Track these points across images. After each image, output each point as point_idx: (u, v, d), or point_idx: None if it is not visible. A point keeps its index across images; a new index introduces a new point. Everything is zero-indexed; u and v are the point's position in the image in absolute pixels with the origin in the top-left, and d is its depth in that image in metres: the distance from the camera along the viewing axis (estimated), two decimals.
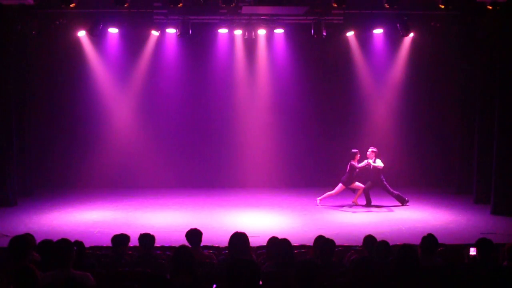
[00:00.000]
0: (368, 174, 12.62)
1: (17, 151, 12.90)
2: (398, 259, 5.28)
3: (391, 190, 12.57)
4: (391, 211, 12.14)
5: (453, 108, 14.59)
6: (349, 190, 12.66)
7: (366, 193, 12.59)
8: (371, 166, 12.39)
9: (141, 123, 15.05)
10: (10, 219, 11.05)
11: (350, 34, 14.32)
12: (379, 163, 12.40)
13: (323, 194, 12.55)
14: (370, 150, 12.50)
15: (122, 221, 11.02)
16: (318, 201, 12.48)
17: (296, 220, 11.21)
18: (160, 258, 6.40)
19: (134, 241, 7.30)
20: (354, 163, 12.29)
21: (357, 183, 12.46)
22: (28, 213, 11.59)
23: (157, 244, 6.54)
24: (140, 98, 15.03)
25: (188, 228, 6.62)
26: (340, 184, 12.40)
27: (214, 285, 4.88)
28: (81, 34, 13.82)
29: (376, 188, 12.70)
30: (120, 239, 6.50)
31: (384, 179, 12.51)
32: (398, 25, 12.71)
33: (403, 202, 12.54)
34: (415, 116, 15.29)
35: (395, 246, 6.51)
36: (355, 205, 12.56)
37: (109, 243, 6.73)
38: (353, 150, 12.46)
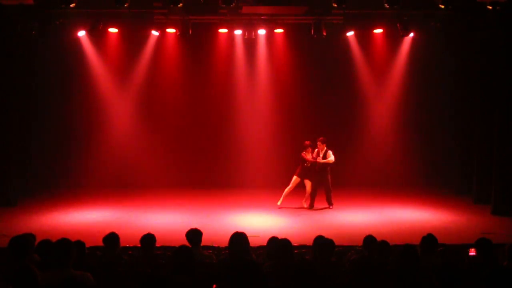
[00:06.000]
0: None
1: (17, 151, 12.91)
2: (399, 259, 5.29)
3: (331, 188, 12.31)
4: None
5: (453, 108, 14.58)
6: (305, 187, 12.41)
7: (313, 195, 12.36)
8: (319, 161, 12.08)
9: (141, 123, 15.06)
10: (10, 219, 11.06)
11: (350, 34, 14.32)
12: (330, 157, 12.09)
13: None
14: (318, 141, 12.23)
15: (122, 221, 11.03)
16: (278, 204, 12.25)
17: (296, 220, 11.21)
18: (160, 258, 6.39)
19: (134, 241, 7.32)
20: (305, 155, 12.16)
21: (308, 183, 12.28)
22: (28, 213, 11.59)
23: (157, 244, 6.54)
24: (140, 98, 15.05)
25: (188, 228, 6.62)
26: (295, 177, 12.28)
27: (214, 285, 4.88)
28: (81, 34, 13.82)
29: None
30: (110, 239, 6.49)
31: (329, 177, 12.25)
32: (398, 25, 12.71)
33: (331, 205, 12.33)
34: (415, 116, 15.30)
35: (395, 246, 6.51)
36: (303, 206, 12.34)
37: None
38: (305, 142, 12.30)
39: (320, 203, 12.46)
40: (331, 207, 12.27)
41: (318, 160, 12.14)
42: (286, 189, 12.30)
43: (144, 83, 14.97)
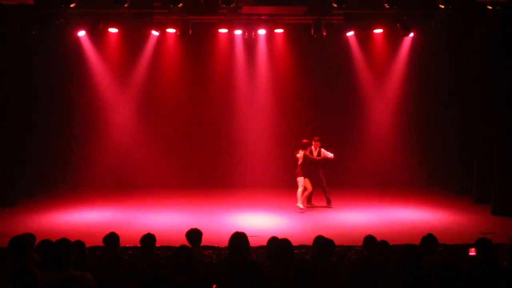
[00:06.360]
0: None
1: (17, 151, 12.91)
2: (401, 259, 5.28)
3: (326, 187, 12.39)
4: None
5: (453, 108, 14.58)
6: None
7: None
8: (327, 157, 12.21)
9: (141, 123, 15.07)
10: (10, 219, 11.06)
11: (350, 34, 14.32)
12: (325, 153, 12.26)
13: (305, 197, 12.35)
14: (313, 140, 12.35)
15: (122, 221, 11.03)
16: (301, 207, 12.04)
17: (296, 220, 11.21)
18: (160, 258, 6.40)
19: (134, 241, 7.32)
20: (308, 153, 12.17)
21: (307, 181, 12.23)
22: (28, 213, 11.59)
23: (157, 244, 6.54)
24: (140, 98, 15.05)
25: (188, 228, 6.63)
26: (301, 178, 12.14)
27: (214, 285, 4.88)
28: (81, 34, 13.82)
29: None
30: (110, 239, 6.49)
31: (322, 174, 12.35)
32: (398, 25, 12.72)
33: (330, 203, 12.40)
34: (415, 116, 15.30)
35: (395, 246, 6.51)
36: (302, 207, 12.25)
37: None
38: (304, 141, 12.29)
39: (319, 202, 12.48)
40: (331, 205, 12.27)
41: (325, 156, 12.26)
42: (299, 191, 12.13)
43: (144, 83, 14.97)
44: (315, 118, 15.13)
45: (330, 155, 12.28)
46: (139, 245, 6.51)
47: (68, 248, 4.91)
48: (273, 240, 6.03)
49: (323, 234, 6.30)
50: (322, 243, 5.96)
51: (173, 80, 15.17)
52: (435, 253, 6.03)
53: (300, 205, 12.06)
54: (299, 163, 12.25)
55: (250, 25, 13.53)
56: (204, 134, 15.26)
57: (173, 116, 15.22)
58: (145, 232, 6.54)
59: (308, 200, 12.53)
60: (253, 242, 6.27)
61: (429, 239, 6.13)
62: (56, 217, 11.38)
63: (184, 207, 12.51)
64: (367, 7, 12.43)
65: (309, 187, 12.31)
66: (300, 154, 12.20)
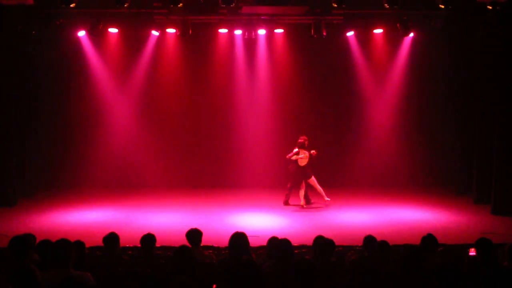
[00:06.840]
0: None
1: (17, 151, 12.90)
2: (402, 260, 5.29)
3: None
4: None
5: (453, 108, 14.58)
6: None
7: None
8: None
9: (141, 123, 15.05)
10: (10, 219, 11.06)
11: (350, 34, 14.32)
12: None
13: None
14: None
15: (122, 221, 11.03)
16: (328, 199, 12.45)
17: (296, 220, 11.22)
18: (160, 258, 6.40)
19: (134, 241, 7.32)
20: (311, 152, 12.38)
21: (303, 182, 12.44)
22: (28, 213, 11.59)
23: (157, 244, 6.55)
24: (140, 98, 15.03)
25: (188, 228, 6.63)
26: (313, 177, 12.43)
27: (214, 285, 4.88)
28: (81, 34, 13.82)
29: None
30: (110, 239, 6.49)
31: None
32: (398, 25, 12.71)
33: (287, 203, 12.59)
34: (415, 116, 15.27)
35: (395, 246, 6.51)
36: (302, 207, 12.38)
37: None
38: (301, 140, 12.48)
39: (316, 201, 12.50)
40: (286, 205, 12.42)
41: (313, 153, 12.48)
42: (319, 189, 12.42)
43: (144, 83, 14.94)
44: (315, 118, 15.10)
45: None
46: (139, 245, 6.52)
47: (68, 248, 4.92)
48: (273, 240, 6.03)
49: (323, 234, 6.30)
50: (322, 243, 5.97)
51: (173, 80, 15.14)
52: (435, 253, 6.03)
53: (327, 198, 12.41)
54: (303, 164, 12.26)
55: (250, 25, 13.50)
56: (204, 133, 15.23)
57: (173, 116, 15.19)
58: (145, 232, 6.54)
59: (307, 200, 12.55)
60: (253, 242, 6.28)
61: (429, 239, 6.13)
62: (56, 217, 11.39)
63: (184, 207, 12.51)
64: (367, 7, 12.41)
65: (304, 187, 12.35)
66: (305, 154, 12.22)
